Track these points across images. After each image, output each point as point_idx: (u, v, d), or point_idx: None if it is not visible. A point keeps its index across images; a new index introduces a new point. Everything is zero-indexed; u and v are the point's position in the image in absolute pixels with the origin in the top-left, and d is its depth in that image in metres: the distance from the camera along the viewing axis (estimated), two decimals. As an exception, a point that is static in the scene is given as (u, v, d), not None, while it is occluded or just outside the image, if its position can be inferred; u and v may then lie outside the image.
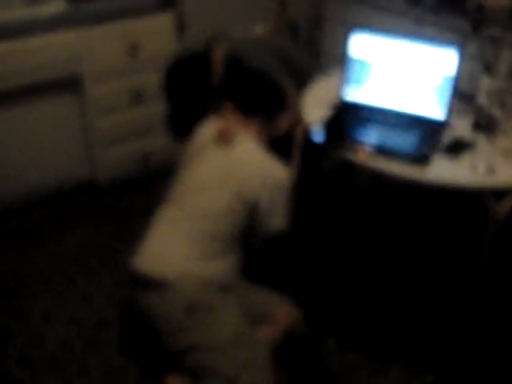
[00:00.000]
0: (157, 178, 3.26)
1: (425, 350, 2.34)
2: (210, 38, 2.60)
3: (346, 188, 3.21)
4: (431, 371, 2.26)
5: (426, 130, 2.13)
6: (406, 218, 3.05)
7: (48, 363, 2.28)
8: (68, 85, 2.93)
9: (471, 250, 2.16)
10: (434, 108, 2.15)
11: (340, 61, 2.32)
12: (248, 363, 2.00)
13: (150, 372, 2.25)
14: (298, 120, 2.31)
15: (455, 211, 3.06)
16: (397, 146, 2.05)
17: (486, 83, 2.36)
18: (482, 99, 2.34)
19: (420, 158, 1.97)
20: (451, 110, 2.15)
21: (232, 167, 2.19)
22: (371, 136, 2.11)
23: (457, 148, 2.05)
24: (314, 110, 2.27)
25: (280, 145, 2.43)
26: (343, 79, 2.29)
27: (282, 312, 2.21)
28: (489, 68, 2.37)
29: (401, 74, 2.19)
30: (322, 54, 4.06)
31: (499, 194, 1.90)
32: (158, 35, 3.07)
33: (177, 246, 2.13)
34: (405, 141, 2.07)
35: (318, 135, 2.12)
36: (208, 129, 2.36)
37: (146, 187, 3.30)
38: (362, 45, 2.22)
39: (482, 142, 1.95)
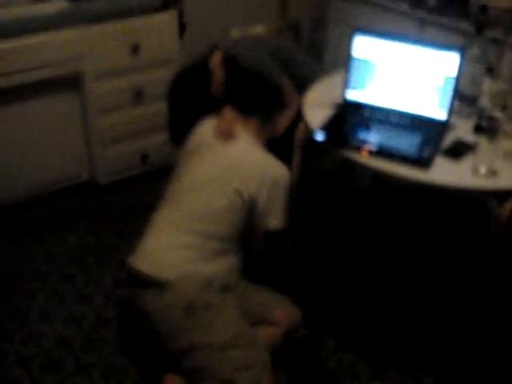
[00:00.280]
0: (156, 177, 3.26)
1: (424, 352, 2.34)
2: (208, 46, 2.60)
3: (346, 189, 3.20)
4: (431, 373, 2.25)
5: (428, 130, 2.12)
6: (407, 220, 3.05)
7: (46, 362, 2.27)
8: (69, 83, 2.92)
9: (473, 252, 2.16)
10: (436, 109, 2.15)
11: (342, 61, 2.32)
12: (247, 364, 2.00)
13: (148, 372, 2.24)
14: (298, 119, 2.31)
15: (457, 213, 3.05)
16: (398, 147, 2.04)
17: (488, 85, 2.36)
18: (484, 101, 2.34)
19: (421, 161, 1.97)
20: (453, 111, 2.15)
21: (230, 166, 2.18)
22: (373, 137, 2.10)
23: (459, 150, 2.04)
24: (316, 109, 2.27)
25: (280, 144, 2.43)
26: (345, 79, 2.28)
27: (281, 313, 2.21)
28: (491, 70, 2.37)
29: (403, 75, 2.18)
30: (324, 55, 4.06)
31: (501, 196, 1.89)
32: (159, 34, 3.06)
33: (176, 245, 2.13)
34: (406, 142, 2.07)
35: (320, 135, 2.11)
36: (206, 127, 2.36)
37: (146, 186, 3.30)
38: (364, 45, 2.22)
39: (483, 144, 1.95)
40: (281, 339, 2.19)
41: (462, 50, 2.09)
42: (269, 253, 2.38)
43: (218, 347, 2.01)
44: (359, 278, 2.68)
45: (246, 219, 2.19)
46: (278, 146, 2.41)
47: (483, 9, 2.37)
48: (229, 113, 2.33)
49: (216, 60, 2.52)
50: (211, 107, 2.43)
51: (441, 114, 2.14)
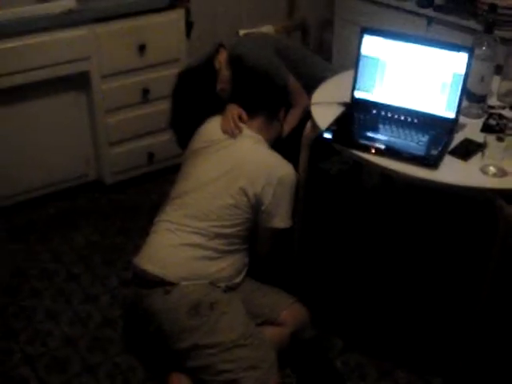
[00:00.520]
0: (163, 176, 3.27)
1: (433, 353, 2.32)
2: (213, 46, 2.59)
3: (354, 188, 3.19)
4: (439, 374, 2.23)
5: (437, 130, 2.11)
6: (415, 220, 3.04)
7: (52, 361, 2.27)
8: (76, 82, 2.93)
9: (481, 252, 2.14)
10: (445, 108, 2.13)
11: (350, 60, 2.31)
12: (254, 364, 1.99)
13: (154, 371, 2.23)
14: (306, 118, 2.30)
15: (465, 213, 3.03)
16: (406, 146, 2.03)
17: (497, 84, 2.34)
18: (493, 100, 2.32)
19: (430, 161, 1.95)
20: (461, 110, 2.13)
21: (236, 165, 2.18)
22: (381, 136, 2.09)
23: (467, 149, 2.03)
24: (324, 109, 2.26)
25: (288, 143, 2.42)
26: (353, 79, 2.27)
27: (288, 313, 2.20)
28: (500, 69, 2.35)
29: (411, 74, 2.17)
30: (332, 54, 4.05)
31: (510, 195, 1.88)
32: (166, 33, 3.06)
33: (181, 245, 2.12)
34: (415, 141, 2.05)
35: (327, 134, 2.10)
36: (212, 126, 2.35)
37: (152, 185, 3.30)
38: (372, 44, 2.20)
39: (492, 143, 1.93)
40: (287, 339, 2.18)
41: (471, 49, 2.08)
42: (275, 252, 2.37)
43: (224, 347, 2.00)
44: (367, 278, 2.67)
45: (252, 218, 2.19)
46: (286, 146, 2.41)
47: (492, 7, 2.35)
48: (234, 109, 2.31)
49: (222, 59, 2.51)
50: (215, 107, 2.42)
51: (449, 113, 2.13)
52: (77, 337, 2.38)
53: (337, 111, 2.24)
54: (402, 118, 2.18)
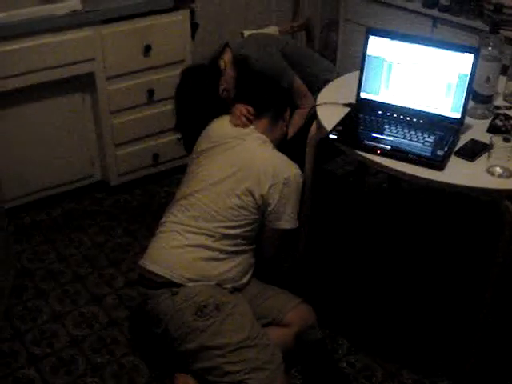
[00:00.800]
0: (168, 177, 3.27)
1: (439, 354, 2.32)
2: (219, 45, 2.59)
3: (359, 189, 3.19)
4: (446, 376, 2.23)
5: (442, 130, 2.10)
6: (421, 222, 3.03)
7: (57, 362, 2.27)
8: (81, 83, 2.93)
9: (487, 253, 2.13)
10: (450, 108, 2.13)
11: (356, 61, 2.30)
12: (260, 365, 1.99)
13: (159, 372, 2.23)
14: (312, 119, 2.30)
15: (471, 214, 3.03)
16: (412, 147, 2.02)
17: (503, 84, 2.33)
18: (499, 101, 2.31)
19: (436, 162, 1.94)
20: (467, 110, 2.12)
21: (242, 165, 2.18)
22: (386, 137, 2.08)
23: (473, 150, 2.02)
24: (329, 110, 2.25)
25: (294, 144, 2.42)
26: (359, 79, 2.26)
27: (294, 314, 2.20)
28: (506, 69, 2.34)
29: (417, 74, 2.16)
30: (337, 55, 4.05)
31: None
32: (171, 34, 3.06)
33: (187, 246, 2.12)
34: (420, 142, 2.05)
35: (333, 135, 2.10)
36: (218, 127, 2.35)
37: (158, 185, 3.30)
38: (378, 45, 2.20)
39: (498, 144, 1.92)
40: (293, 341, 2.17)
41: (476, 50, 2.07)
42: (281, 253, 2.37)
43: (230, 348, 2.00)
44: (373, 279, 2.66)
45: (258, 219, 2.19)
46: (291, 147, 2.40)
47: (498, 7, 2.35)
48: (241, 106, 2.31)
49: (227, 58, 2.51)
50: (218, 107, 2.41)
51: (455, 114, 2.12)
52: (82, 337, 2.38)
53: (342, 112, 2.23)
54: (408, 118, 2.18)
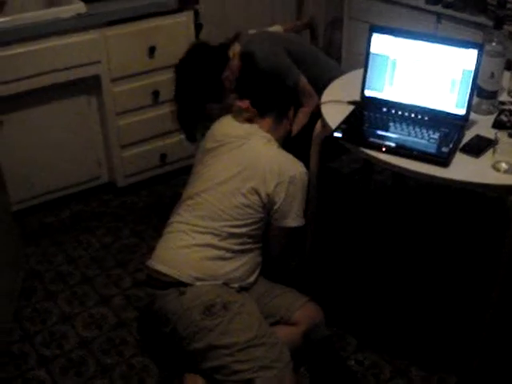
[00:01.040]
0: (175, 177, 3.28)
1: (448, 351, 2.31)
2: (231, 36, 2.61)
3: (365, 187, 3.19)
4: (454, 372, 2.22)
5: (447, 127, 2.10)
6: (427, 218, 3.03)
7: (67, 363, 2.28)
8: (87, 85, 2.94)
9: (493, 250, 2.13)
10: (455, 104, 2.12)
11: (360, 58, 2.30)
12: (268, 363, 1.99)
13: (169, 372, 2.24)
14: (316, 118, 2.30)
15: (477, 210, 3.02)
16: (417, 144, 2.02)
17: (507, 80, 2.33)
18: (504, 96, 2.31)
19: (441, 158, 1.94)
20: (472, 106, 2.12)
21: (247, 165, 2.18)
22: (391, 134, 2.08)
23: (478, 146, 2.02)
24: (334, 108, 2.25)
25: (299, 143, 2.42)
26: (363, 77, 2.27)
27: (301, 313, 2.20)
28: (510, 64, 2.34)
29: (421, 71, 2.16)
30: (341, 53, 4.04)
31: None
32: (175, 35, 3.07)
33: (194, 245, 2.13)
34: (425, 139, 2.04)
35: (338, 133, 2.10)
36: (224, 125, 2.35)
37: (165, 186, 3.31)
38: (381, 42, 2.20)
39: (504, 139, 1.92)
40: (301, 339, 2.18)
41: (480, 46, 2.07)
42: (287, 251, 2.37)
43: (238, 347, 2.01)
44: (380, 276, 2.66)
45: (264, 217, 2.19)
46: (296, 145, 2.41)
47: (501, 3, 2.34)
48: (241, 103, 2.33)
49: (236, 50, 2.53)
50: (213, 91, 2.42)
51: (460, 110, 2.12)
52: (91, 339, 2.39)
53: (347, 110, 2.24)
54: (413, 115, 2.18)
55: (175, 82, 2.54)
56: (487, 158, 1.97)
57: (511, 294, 2.14)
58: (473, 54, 2.05)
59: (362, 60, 2.26)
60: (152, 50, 3.01)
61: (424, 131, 2.09)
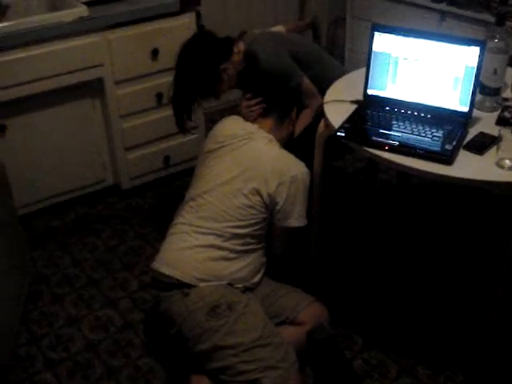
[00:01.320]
0: (179, 179, 3.28)
1: (454, 349, 2.31)
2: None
3: (370, 186, 3.18)
4: (461, 371, 2.22)
5: (451, 124, 2.09)
6: (432, 216, 3.02)
7: (74, 366, 2.29)
8: (90, 88, 2.95)
9: (498, 248, 2.12)
10: (458, 101, 2.12)
11: (363, 57, 2.30)
12: (274, 363, 1.99)
13: (175, 374, 2.24)
14: (319, 117, 2.30)
15: (481, 208, 3.01)
16: (421, 142, 2.02)
17: (510, 77, 2.32)
18: (507, 93, 2.30)
19: (445, 156, 1.94)
20: (475, 104, 2.11)
21: (249, 165, 2.18)
22: (395, 132, 2.08)
23: (482, 143, 2.01)
24: (337, 107, 2.25)
25: (302, 143, 2.42)
26: (365, 76, 2.26)
27: (307, 313, 2.20)
28: (514, 61, 2.33)
29: (424, 69, 2.16)
30: (344, 51, 4.04)
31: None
32: (178, 37, 3.05)
33: (198, 246, 2.13)
34: (429, 137, 2.04)
35: (341, 132, 2.10)
36: (226, 126, 2.35)
37: (169, 188, 3.32)
38: (383, 41, 2.19)
39: (508, 136, 1.91)
40: (306, 339, 2.17)
41: (482, 43, 2.06)
42: (291, 251, 2.37)
43: (244, 347, 2.00)
44: (385, 275, 2.66)
45: (267, 218, 2.19)
46: (299, 145, 2.40)
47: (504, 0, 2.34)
48: (249, 101, 2.33)
49: (241, 47, 2.53)
50: (210, 80, 2.44)
51: (463, 107, 2.11)
52: (98, 341, 2.39)
53: (350, 109, 2.23)
54: (416, 113, 2.17)
55: (175, 64, 2.54)
56: (491, 155, 1.96)
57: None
58: (475, 51, 2.05)
59: (365, 58, 2.26)
60: (155, 53, 3.01)
61: (427, 129, 2.08)
